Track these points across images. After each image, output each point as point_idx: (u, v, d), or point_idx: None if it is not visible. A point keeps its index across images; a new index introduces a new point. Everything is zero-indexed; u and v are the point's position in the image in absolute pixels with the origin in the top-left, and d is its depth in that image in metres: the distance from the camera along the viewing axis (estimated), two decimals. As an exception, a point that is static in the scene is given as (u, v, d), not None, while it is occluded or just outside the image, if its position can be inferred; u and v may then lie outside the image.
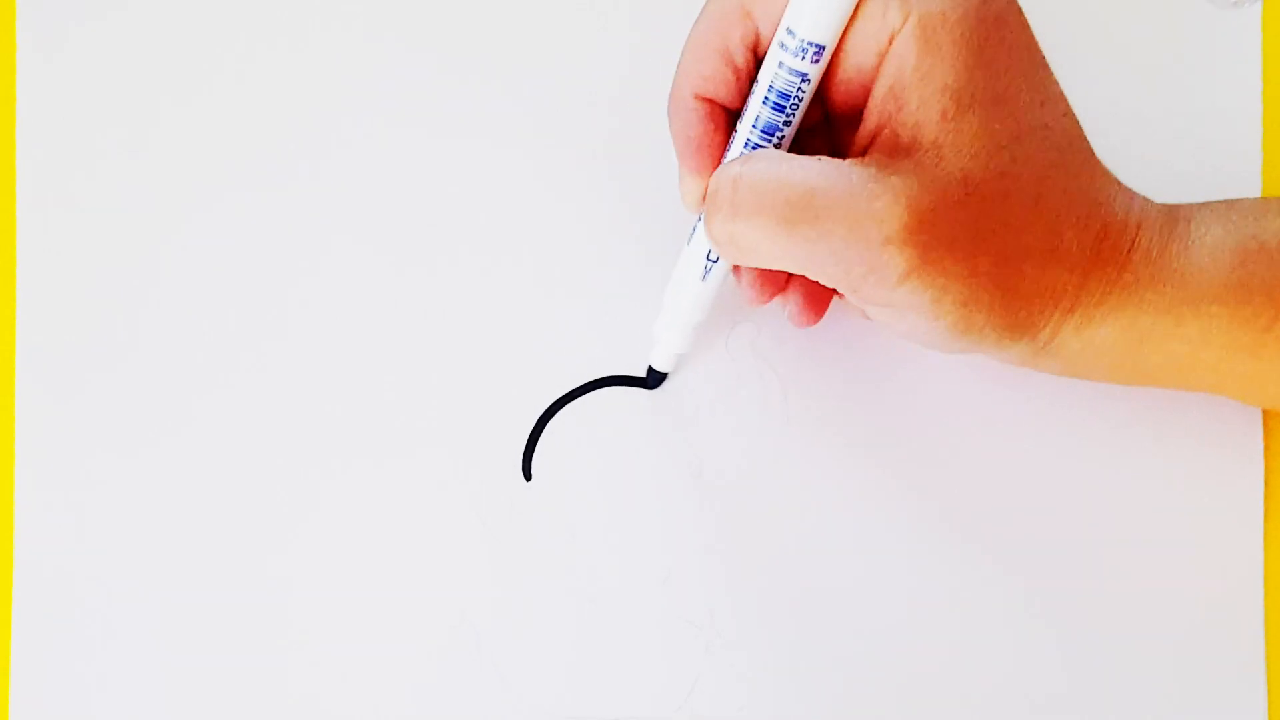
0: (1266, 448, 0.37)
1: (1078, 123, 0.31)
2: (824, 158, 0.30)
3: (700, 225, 0.33)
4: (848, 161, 0.30)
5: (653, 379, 0.37)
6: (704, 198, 0.33)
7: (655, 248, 0.38)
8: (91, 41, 0.39)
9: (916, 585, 0.37)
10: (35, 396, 0.38)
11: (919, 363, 0.37)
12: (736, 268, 0.34)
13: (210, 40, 0.39)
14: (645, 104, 0.39)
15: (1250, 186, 0.37)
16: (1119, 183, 0.32)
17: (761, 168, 0.30)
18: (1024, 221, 0.29)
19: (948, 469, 0.37)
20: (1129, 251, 0.31)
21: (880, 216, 0.28)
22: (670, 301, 0.35)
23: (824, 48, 0.30)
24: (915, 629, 0.37)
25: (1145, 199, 0.32)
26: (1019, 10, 0.30)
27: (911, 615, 0.37)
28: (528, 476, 0.38)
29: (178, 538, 0.38)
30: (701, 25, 0.32)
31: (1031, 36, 0.30)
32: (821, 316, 0.34)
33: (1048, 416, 0.37)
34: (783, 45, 0.30)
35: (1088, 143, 0.31)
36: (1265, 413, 0.37)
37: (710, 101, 0.32)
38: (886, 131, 0.30)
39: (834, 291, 0.34)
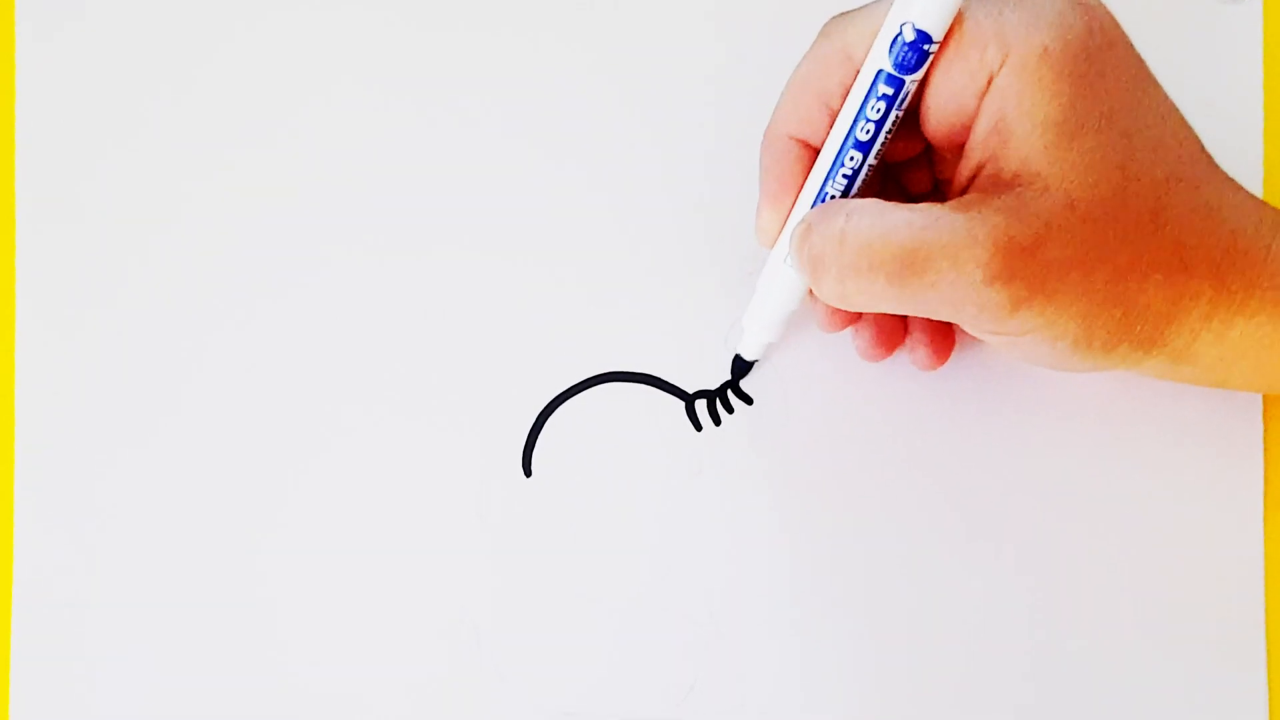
0: (1266, 447, 0.37)
1: (1195, 136, 0.31)
2: (925, 205, 0.30)
3: (795, 215, 0.33)
4: (948, 205, 0.30)
5: (739, 368, 0.37)
6: (778, 234, 0.33)
7: (658, 245, 0.38)
8: (91, 38, 0.39)
9: (916, 584, 0.37)
10: (35, 396, 0.39)
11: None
12: (813, 298, 0.34)
13: (213, 34, 0.39)
14: (652, 103, 0.39)
15: (1251, 183, 0.37)
16: (1244, 190, 0.31)
17: (866, 224, 0.30)
18: (1143, 237, 0.29)
19: (947, 468, 0.37)
20: (1264, 255, 0.30)
21: (981, 258, 0.29)
22: (763, 290, 0.35)
23: (932, 40, 0.30)
24: (915, 627, 0.37)
25: (1271, 206, 0.32)
26: (1123, 34, 0.30)
27: (911, 614, 0.37)
28: (527, 473, 0.38)
29: (177, 535, 0.38)
30: (803, 68, 0.32)
31: (1138, 58, 0.30)
32: (891, 354, 0.36)
33: (1048, 417, 0.37)
34: (887, 48, 0.30)
35: (1208, 154, 0.31)
36: (1265, 411, 0.37)
37: (803, 143, 0.33)
38: (989, 168, 0.30)
39: (901, 331, 0.36)
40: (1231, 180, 0.31)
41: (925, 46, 0.30)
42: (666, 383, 0.38)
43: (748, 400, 0.37)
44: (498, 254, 0.38)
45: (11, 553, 0.38)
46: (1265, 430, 0.37)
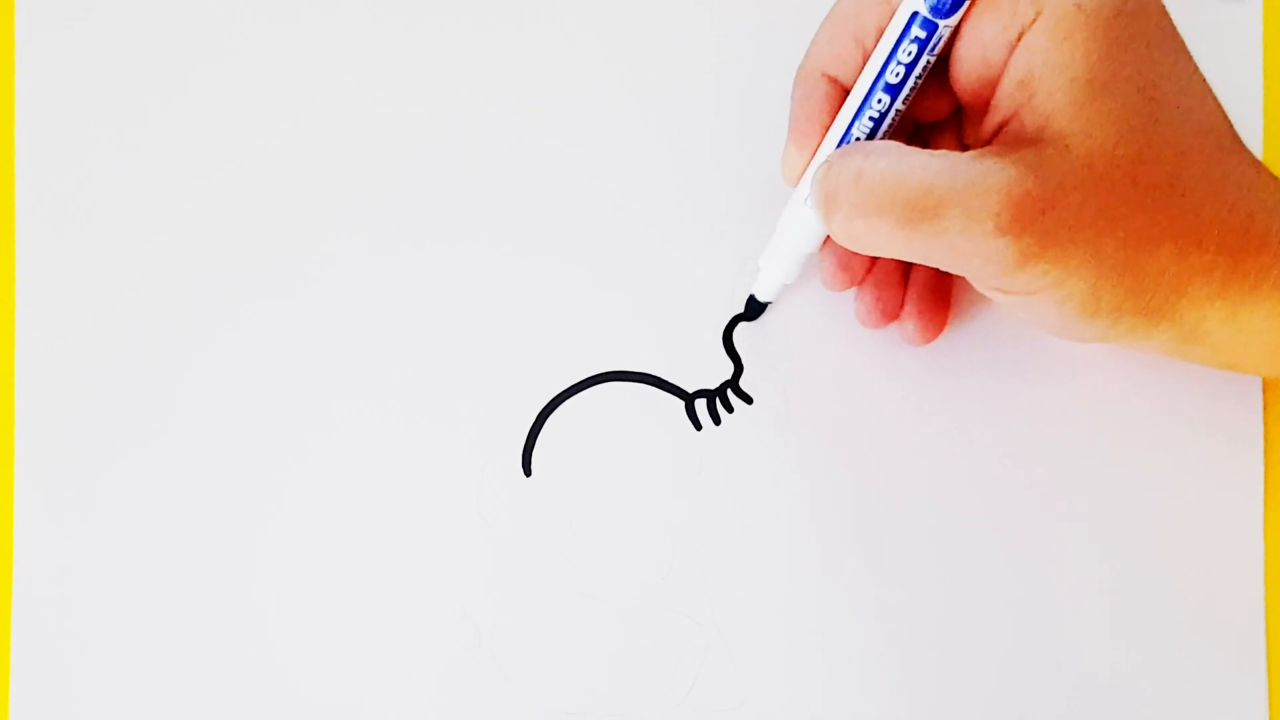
0: (1267, 446, 0.37)
1: (1222, 110, 0.31)
2: (944, 152, 0.30)
3: (820, 155, 0.33)
4: (967, 154, 0.30)
5: (752, 310, 0.37)
6: (802, 172, 0.33)
7: (659, 244, 0.38)
8: (91, 39, 0.39)
9: (915, 582, 0.37)
10: (35, 397, 0.38)
11: (917, 361, 0.37)
12: (822, 250, 0.34)
13: (213, 36, 0.39)
14: (653, 102, 0.39)
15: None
16: (1267, 170, 0.31)
17: (883, 165, 0.30)
18: (1159, 204, 0.29)
19: (946, 466, 0.37)
20: None
21: (993, 208, 0.28)
22: (782, 230, 0.35)
23: None
24: (914, 626, 0.37)
25: None
26: (1158, 1, 0.30)
27: (910, 612, 0.37)
28: (528, 472, 0.38)
29: (177, 536, 0.38)
30: (841, 5, 0.32)
31: (1172, 26, 0.30)
32: (889, 322, 0.36)
33: (1047, 418, 0.37)
34: None
35: (1233, 129, 0.31)
36: (1266, 410, 0.37)
37: (834, 82, 0.33)
38: (1014, 123, 0.30)
39: (900, 300, 0.35)
40: (1255, 159, 0.31)
41: None
42: (666, 382, 0.38)
43: (748, 400, 0.37)
44: (498, 253, 0.38)
45: (11, 553, 0.38)
46: (1266, 428, 0.37)
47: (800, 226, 0.34)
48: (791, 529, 0.37)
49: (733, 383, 0.37)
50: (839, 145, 0.32)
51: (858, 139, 0.32)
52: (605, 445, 0.38)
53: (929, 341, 0.36)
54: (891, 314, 0.36)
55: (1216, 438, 0.37)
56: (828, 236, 0.34)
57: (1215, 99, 0.31)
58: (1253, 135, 0.37)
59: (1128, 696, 0.36)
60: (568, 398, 0.38)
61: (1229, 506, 0.37)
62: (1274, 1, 0.38)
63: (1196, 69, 0.31)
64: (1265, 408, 0.37)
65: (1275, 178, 0.31)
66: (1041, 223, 0.28)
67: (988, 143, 0.31)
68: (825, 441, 0.37)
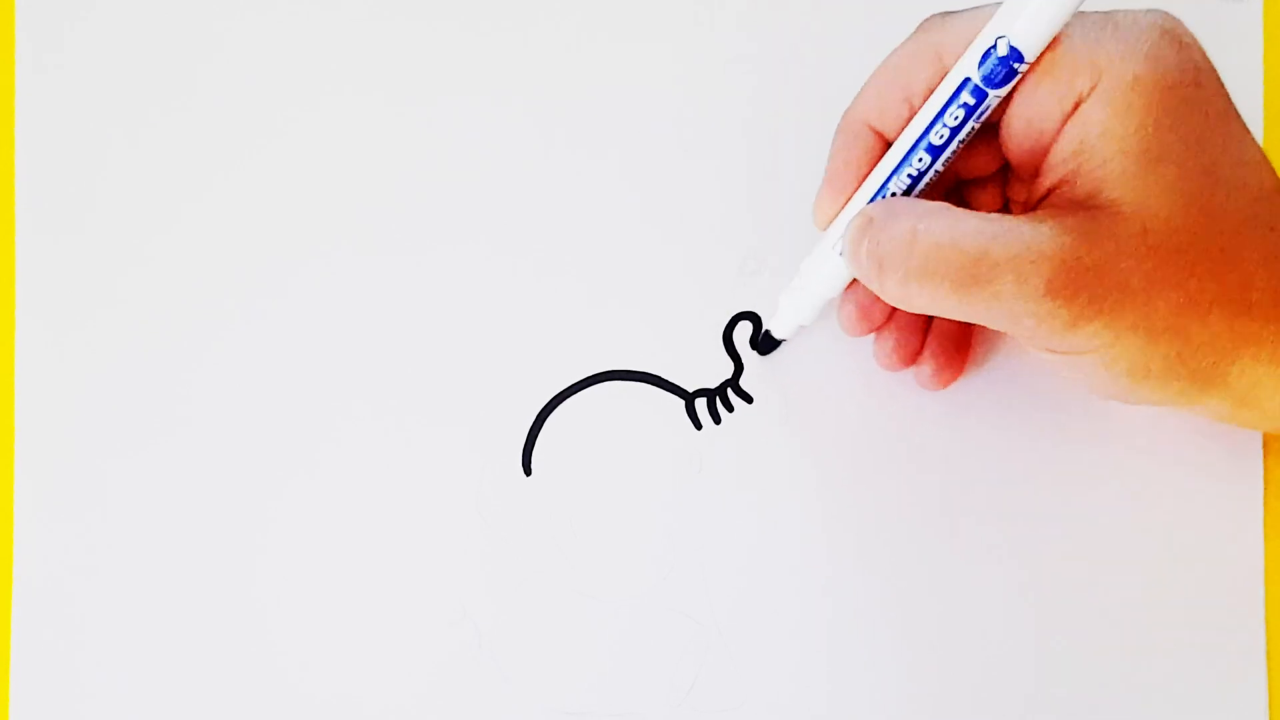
0: (1266, 446, 0.37)
1: (1275, 177, 0.31)
2: (997, 215, 0.30)
3: (853, 205, 0.33)
4: (1020, 218, 0.30)
5: (766, 346, 0.37)
6: (833, 218, 0.33)
7: (659, 245, 0.38)
8: (90, 41, 0.39)
9: (915, 584, 0.37)
10: (35, 397, 0.38)
11: (919, 361, 0.37)
12: (844, 297, 0.34)
13: (213, 38, 0.40)
14: (653, 103, 0.39)
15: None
16: None
17: (939, 228, 0.30)
18: (1211, 272, 0.29)
19: (947, 471, 0.37)
20: None
21: (1045, 273, 0.29)
22: (807, 273, 0.34)
23: (1024, 60, 0.30)
24: (914, 627, 0.37)
25: None
26: (1213, 71, 0.30)
27: (911, 614, 0.37)
28: (528, 472, 0.38)
29: (177, 536, 0.38)
30: (893, 60, 0.32)
31: (1227, 97, 0.30)
32: (908, 365, 0.36)
33: (1049, 422, 0.37)
34: (978, 58, 0.30)
35: None
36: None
37: (876, 133, 0.33)
38: (1064, 189, 0.30)
39: (920, 345, 0.36)
40: None
41: (1016, 64, 0.30)
42: (666, 381, 0.38)
43: (748, 399, 0.37)
44: (498, 253, 0.38)
45: (11, 553, 0.38)
46: (1266, 434, 0.37)
47: (828, 273, 0.34)
48: (792, 528, 0.37)
49: (733, 382, 0.37)
50: (873, 198, 0.32)
51: (893, 194, 0.32)
52: (605, 445, 0.38)
53: (945, 386, 0.36)
54: (910, 359, 0.36)
55: (1216, 438, 0.37)
56: (851, 282, 0.34)
57: (1270, 167, 0.31)
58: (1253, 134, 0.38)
59: (1127, 697, 0.36)
60: (568, 397, 0.38)
61: (1229, 506, 0.37)
62: (1274, 1, 0.38)
63: (1251, 138, 0.31)
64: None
65: None
66: (1094, 286, 0.29)
67: (1037, 203, 0.31)
68: (825, 440, 0.37)
